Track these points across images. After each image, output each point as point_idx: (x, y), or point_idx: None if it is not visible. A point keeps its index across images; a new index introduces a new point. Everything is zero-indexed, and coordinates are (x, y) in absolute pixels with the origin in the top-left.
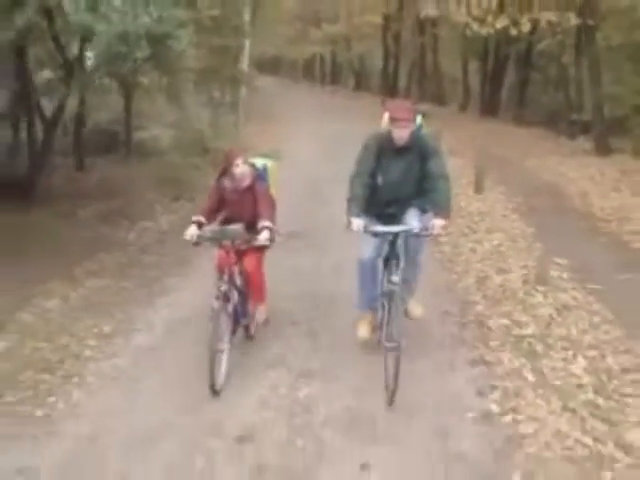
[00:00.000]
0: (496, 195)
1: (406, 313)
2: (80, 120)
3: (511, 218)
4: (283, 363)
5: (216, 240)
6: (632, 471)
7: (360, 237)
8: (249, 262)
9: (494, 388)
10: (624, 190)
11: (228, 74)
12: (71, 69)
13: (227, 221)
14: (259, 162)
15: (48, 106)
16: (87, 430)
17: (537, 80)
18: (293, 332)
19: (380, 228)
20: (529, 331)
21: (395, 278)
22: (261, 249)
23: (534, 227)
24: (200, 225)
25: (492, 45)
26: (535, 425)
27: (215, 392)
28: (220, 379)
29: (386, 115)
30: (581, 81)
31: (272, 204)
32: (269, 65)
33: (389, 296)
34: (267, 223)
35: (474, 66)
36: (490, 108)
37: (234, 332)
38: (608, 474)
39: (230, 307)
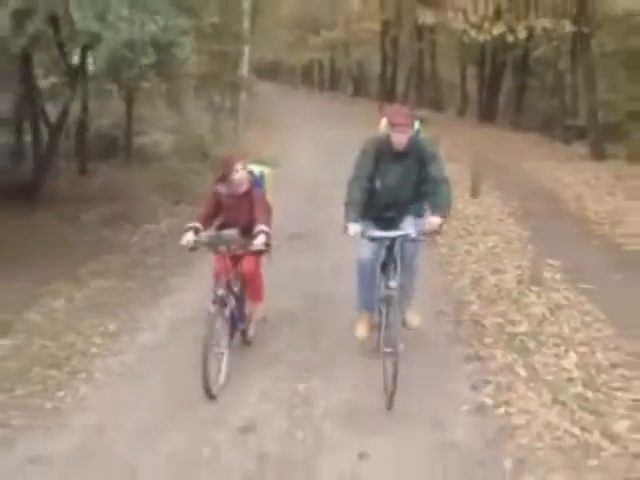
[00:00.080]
0: (492, 199)
1: (404, 323)
2: (83, 125)
3: (507, 221)
4: (283, 360)
5: (212, 245)
6: (617, 459)
7: (358, 239)
8: (247, 263)
9: (487, 383)
10: (618, 194)
11: (228, 80)
12: (74, 75)
13: (223, 226)
14: (256, 169)
15: (52, 111)
16: (95, 422)
17: (534, 86)
18: (293, 330)
19: (377, 233)
20: (522, 329)
21: (393, 283)
22: (259, 251)
23: (529, 230)
24: (196, 231)
25: (489, 51)
26: (526, 417)
27: (211, 396)
28: (219, 381)
29: (384, 120)
30: (577, 87)
31: (268, 209)
32: (268, 71)
33: (387, 301)
34: (263, 227)
35: (472, 72)
36: (487, 114)
37: (232, 336)
38: (595, 461)
39: (227, 311)
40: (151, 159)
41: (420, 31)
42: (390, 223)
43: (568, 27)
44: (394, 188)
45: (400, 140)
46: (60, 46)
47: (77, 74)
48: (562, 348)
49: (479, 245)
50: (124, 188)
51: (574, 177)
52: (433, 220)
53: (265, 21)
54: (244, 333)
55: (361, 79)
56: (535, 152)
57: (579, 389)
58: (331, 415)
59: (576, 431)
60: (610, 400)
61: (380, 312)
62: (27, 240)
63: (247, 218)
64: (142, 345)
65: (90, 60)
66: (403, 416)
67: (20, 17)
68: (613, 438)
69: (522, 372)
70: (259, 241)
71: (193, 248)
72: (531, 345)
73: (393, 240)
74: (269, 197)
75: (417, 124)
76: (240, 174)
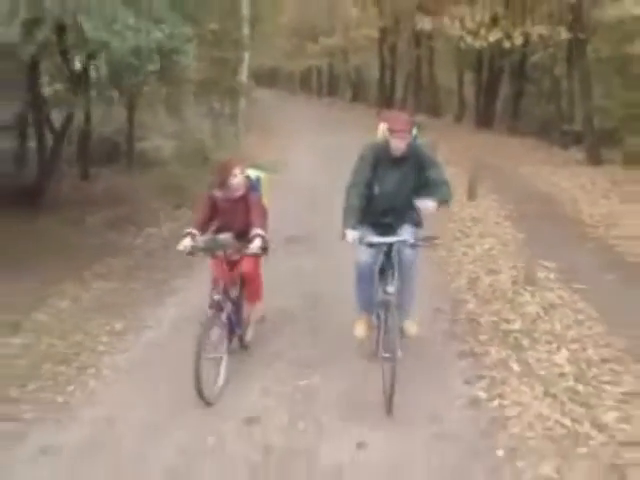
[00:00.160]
0: (489, 202)
1: (401, 331)
2: (86, 131)
3: (503, 224)
4: (284, 358)
5: (209, 250)
6: (605, 447)
7: (356, 244)
8: (246, 264)
9: (482, 377)
10: (613, 198)
11: (228, 86)
12: (78, 82)
13: (219, 230)
14: (252, 173)
15: (55, 117)
16: (104, 415)
17: (531, 92)
18: (293, 329)
19: (374, 239)
20: (516, 327)
21: (390, 289)
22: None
23: (525, 232)
24: (193, 237)
25: (487, 58)
26: (519, 409)
27: (205, 401)
28: (218, 385)
29: (381, 125)
30: (573, 93)
31: (264, 213)
32: (266, 77)
33: (385, 306)
34: (259, 231)
35: (469, 78)
36: (485, 119)
37: (230, 341)
38: (583, 449)
39: (224, 316)
40: (152, 164)
41: (418, 37)
42: (388, 229)
43: (564, 34)
44: (392, 193)
45: (399, 146)
46: (64, 54)
47: (80, 81)
48: (554, 345)
49: (475, 247)
50: (126, 193)
51: (570, 181)
52: (428, 202)
53: (264, 28)
54: (242, 338)
55: (359, 85)
56: (532, 157)
57: (570, 383)
58: (330, 408)
59: (566, 422)
60: (599, 393)
61: (378, 317)
62: (32, 243)
63: (243, 222)
64: (147, 343)
65: (93, 67)
66: (400, 409)
67: (30, 26)
68: (601, 428)
69: (515, 367)
70: (255, 245)
71: (190, 253)
72: (525, 342)
73: (391, 246)
74: (265, 201)
75: (415, 130)
76: (238, 179)
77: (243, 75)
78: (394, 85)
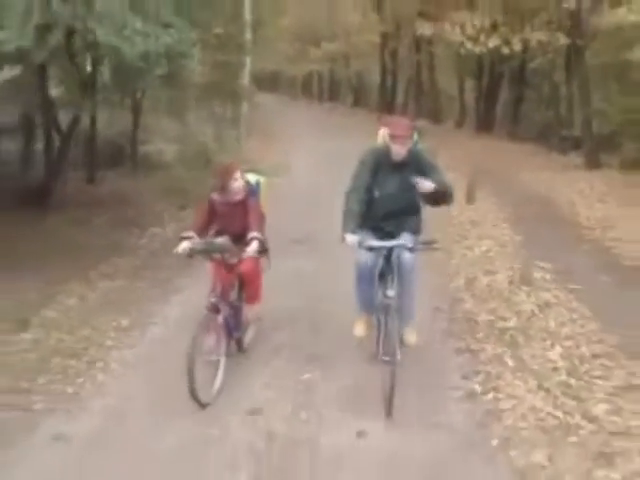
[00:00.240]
0: (488, 206)
1: (401, 340)
2: (92, 134)
3: (501, 227)
4: (286, 354)
5: (207, 252)
6: (594, 436)
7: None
8: (246, 264)
9: (478, 372)
10: (610, 202)
11: (230, 90)
12: (85, 86)
13: (218, 234)
14: (252, 178)
15: (61, 120)
16: (113, 406)
17: (530, 97)
18: (295, 327)
19: (374, 243)
20: (512, 324)
21: (390, 292)
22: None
23: (522, 235)
24: (191, 239)
25: (487, 63)
26: (513, 402)
27: (200, 403)
28: (215, 387)
29: (382, 130)
30: (572, 98)
31: (262, 217)
32: (268, 82)
33: (385, 310)
34: (256, 234)
35: (470, 84)
36: (485, 125)
37: (227, 344)
38: (574, 438)
39: (220, 318)
40: (156, 167)
41: (419, 43)
42: (388, 236)
43: (562, 40)
44: (392, 198)
45: (400, 151)
46: (72, 58)
47: (87, 85)
48: (549, 342)
49: (474, 249)
50: (131, 195)
51: (568, 185)
52: (426, 182)
53: (266, 33)
54: (240, 340)
55: (360, 90)
56: (531, 162)
57: (563, 377)
58: (331, 400)
59: (558, 413)
60: (591, 387)
61: (379, 320)
62: (40, 243)
63: (241, 226)
64: (153, 338)
65: (100, 71)
66: (399, 401)
67: (42, 31)
68: (592, 419)
69: (510, 363)
70: (252, 248)
71: (189, 255)
72: (520, 339)
73: (390, 250)
74: (263, 204)
75: (415, 135)
76: (238, 182)
77: (245, 79)
78: (395, 90)
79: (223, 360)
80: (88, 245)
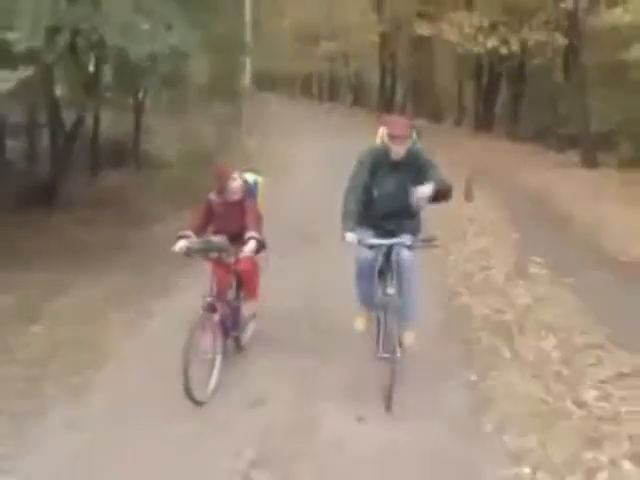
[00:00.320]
0: (486, 203)
1: (400, 342)
2: (95, 134)
3: (498, 224)
4: (288, 344)
5: (204, 251)
6: (584, 420)
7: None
8: (244, 262)
9: (474, 362)
10: (606, 200)
11: (230, 90)
12: (88, 86)
13: (215, 234)
14: (250, 177)
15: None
16: (123, 392)
17: (529, 97)
18: (297, 318)
19: (374, 241)
20: (508, 317)
21: (390, 290)
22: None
23: (519, 232)
24: (188, 238)
25: (486, 63)
26: (506, 389)
27: (195, 401)
28: (210, 386)
29: (381, 130)
30: (570, 98)
31: (259, 217)
32: (267, 82)
33: (384, 308)
34: (253, 234)
35: (469, 83)
36: (484, 124)
37: (224, 343)
38: (564, 423)
39: (216, 317)
40: (159, 166)
41: (418, 43)
42: (388, 234)
43: (560, 40)
44: (391, 197)
45: (399, 150)
46: (76, 58)
47: (90, 85)
48: (543, 333)
49: (471, 245)
50: (134, 193)
51: (565, 184)
52: (423, 188)
53: (266, 33)
54: (238, 339)
55: (360, 90)
56: (529, 160)
57: (555, 366)
58: (331, 389)
59: (550, 400)
60: (582, 376)
61: (378, 319)
62: (46, 241)
63: (238, 226)
64: (158, 329)
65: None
66: (397, 389)
67: (51, 32)
68: (582, 405)
69: (505, 353)
70: (249, 248)
71: (186, 254)
72: (515, 331)
73: (390, 248)
74: (260, 203)
75: (413, 134)
76: (237, 182)
77: (245, 79)
78: (394, 90)
79: (219, 359)
80: (92, 243)
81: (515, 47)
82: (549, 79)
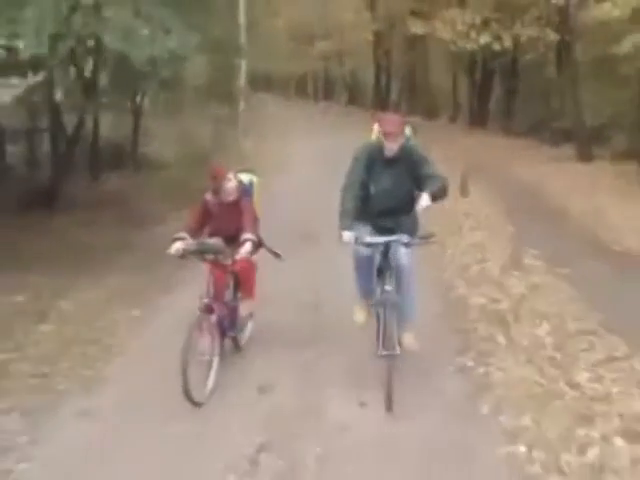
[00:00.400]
0: (481, 198)
1: (400, 343)
2: (95, 137)
3: (493, 218)
4: (291, 335)
5: (200, 253)
6: (576, 400)
7: (355, 230)
8: (241, 262)
9: (471, 349)
10: (601, 192)
11: (227, 91)
12: (87, 90)
13: (212, 235)
14: (245, 177)
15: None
16: (132, 384)
17: (523, 92)
18: (299, 310)
19: (370, 239)
20: (503, 306)
21: (388, 287)
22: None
23: (514, 225)
24: (184, 240)
25: (479, 59)
26: (502, 374)
27: (193, 402)
28: (208, 387)
29: (376, 126)
30: (563, 92)
31: (255, 218)
32: (262, 82)
33: (383, 305)
34: (249, 235)
35: (463, 80)
36: (479, 119)
37: (221, 343)
38: (557, 403)
39: (213, 318)
40: (157, 167)
41: (412, 41)
42: (386, 232)
43: (552, 35)
44: (388, 194)
45: (392, 147)
46: (76, 63)
47: (89, 89)
48: (537, 320)
49: (467, 239)
50: (134, 195)
51: (560, 177)
52: (422, 200)
53: (260, 34)
54: (235, 339)
55: (355, 88)
56: (524, 155)
57: (549, 351)
58: (333, 376)
59: (544, 382)
60: (575, 360)
61: (378, 316)
62: (49, 243)
63: (235, 226)
64: (163, 325)
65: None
66: (397, 375)
67: (55, 39)
68: (574, 386)
69: (501, 340)
70: (245, 250)
71: (182, 256)
72: (510, 319)
73: (387, 245)
74: (256, 203)
75: (408, 130)
76: (231, 183)
77: (241, 80)
78: (389, 88)
79: (216, 360)
80: (94, 244)
81: (508, 43)
82: (542, 74)
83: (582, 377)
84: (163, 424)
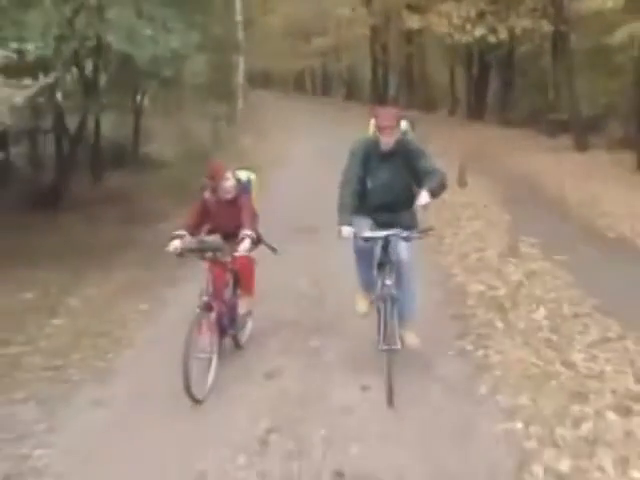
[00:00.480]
0: (479, 189)
1: (402, 341)
2: (97, 136)
3: (491, 208)
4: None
5: (198, 251)
6: (571, 379)
7: (354, 224)
8: (239, 260)
9: (470, 334)
10: (597, 180)
11: (225, 89)
12: (89, 90)
13: (211, 232)
14: (244, 175)
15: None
16: (142, 374)
17: (519, 84)
18: (303, 303)
19: (369, 234)
20: (501, 292)
21: (389, 282)
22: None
23: (512, 214)
24: (182, 238)
25: (476, 52)
26: (500, 356)
27: (195, 400)
28: (207, 385)
29: (373, 121)
30: (558, 83)
31: (254, 215)
32: (260, 79)
33: (384, 300)
34: (247, 232)
35: (461, 72)
36: (476, 112)
37: (220, 341)
38: (553, 382)
39: (213, 316)
40: (158, 166)
41: (408, 35)
42: (384, 226)
43: (546, 27)
44: (385, 188)
45: (388, 141)
46: (77, 63)
47: (90, 89)
48: (534, 305)
49: (466, 228)
50: (136, 193)
51: (557, 167)
52: (422, 197)
53: (257, 31)
54: (235, 337)
55: (353, 84)
56: (521, 146)
57: (546, 334)
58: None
59: (540, 363)
60: (570, 341)
61: (379, 310)
62: (55, 241)
63: (234, 224)
64: (170, 318)
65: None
66: (399, 359)
67: (59, 41)
68: (570, 366)
69: (499, 324)
70: (243, 247)
71: (180, 254)
72: (508, 304)
73: (387, 239)
74: (254, 201)
75: (405, 125)
76: (229, 182)
77: (240, 78)
78: (387, 82)
79: (215, 358)
80: (99, 241)
81: (503, 35)
82: (538, 65)
83: (577, 357)
84: (174, 411)
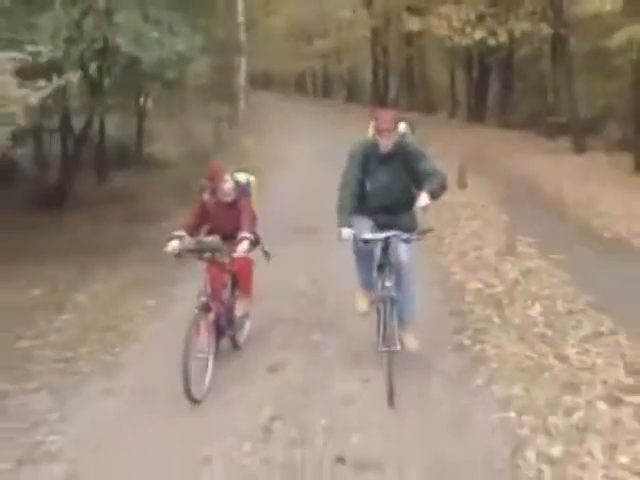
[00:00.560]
0: (478, 190)
1: (402, 344)
2: (102, 137)
3: (489, 208)
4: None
5: (197, 252)
6: (564, 371)
7: (354, 224)
8: (239, 260)
9: (467, 329)
10: (594, 181)
11: (227, 90)
12: (94, 91)
13: (210, 233)
14: (243, 177)
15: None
16: (150, 367)
17: (519, 86)
18: (302, 301)
19: (369, 236)
20: (498, 290)
21: (388, 283)
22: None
23: (510, 214)
24: (181, 239)
25: (476, 54)
26: (496, 350)
27: (193, 400)
28: (205, 385)
29: (372, 123)
30: (558, 86)
31: (253, 217)
32: (261, 80)
33: (383, 301)
34: (246, 234)
35: (461, 75)
36: (476, 114)
37: (218, 342)
38: (547, 374)
39: (211, 317)
40: (161, 166)
41: (409, 37)
42: (384, 228)
43: (545, 29)
44: (384, 190)
45: (386, 143)
46: (83, 65)
47: (96, 90)
48: (530, 302)
49: (465, 228)
50: (140, 193)
51: (555, 168)
52: (422, 199)
53: (259, 33)
54: (233, 338)
55: (354, 86)
56: (521, 148)
57: (540, 329)
58: (338, 356)
59: (534, 356)
60: (564, 336)
61: (378, 311)
62: (61, 240)
63: (233, 226)
64: (176, 313)
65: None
66: (398, 354)
67: (69, 44)
68: (563, 359)
69: (496, 320)
70: (242, 248)
71: (178, 255)
72: (505, 301)
73: (387, 241)
74: (254, 203)
75: (404, 127)
76: (228, 184)
77: (241, 79)
78: (387, 84)
79: (212, 358)
80: (104, 240)
81: (503, 38)
82: (537, 68)
83: (570, 351)
84: (181, 401)
